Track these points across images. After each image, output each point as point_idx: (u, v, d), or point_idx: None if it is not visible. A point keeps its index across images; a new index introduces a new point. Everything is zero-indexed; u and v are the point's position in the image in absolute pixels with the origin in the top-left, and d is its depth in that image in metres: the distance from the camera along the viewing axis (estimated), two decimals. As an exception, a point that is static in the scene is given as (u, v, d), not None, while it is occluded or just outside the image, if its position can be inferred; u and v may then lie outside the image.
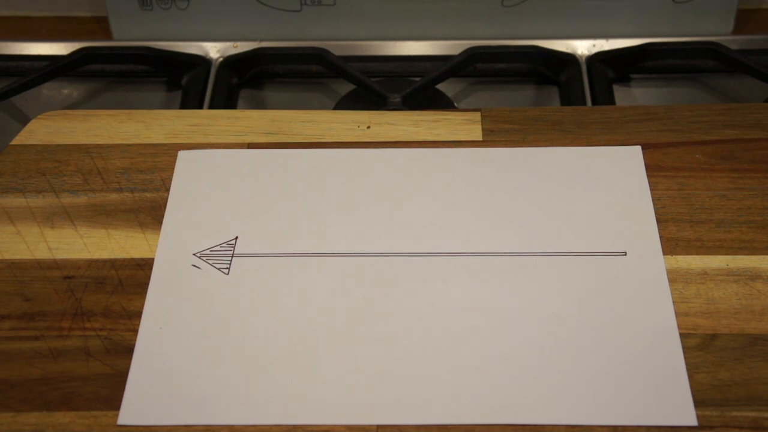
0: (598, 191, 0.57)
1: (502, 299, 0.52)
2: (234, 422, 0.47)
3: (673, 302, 0.51)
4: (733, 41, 0.74)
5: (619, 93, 0.73)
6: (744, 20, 0.78)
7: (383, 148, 0.60)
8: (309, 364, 0.49)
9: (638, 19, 0.76)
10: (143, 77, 0.75)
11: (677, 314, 0.51)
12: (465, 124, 0.62)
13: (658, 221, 0.55)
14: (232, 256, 0.54)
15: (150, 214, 0.57)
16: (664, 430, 0.46)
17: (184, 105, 0.72)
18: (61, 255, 0.55)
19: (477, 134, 0.61)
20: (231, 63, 0.74)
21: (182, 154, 0.60)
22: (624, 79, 0.74)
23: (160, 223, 0.56)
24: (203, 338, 0.51)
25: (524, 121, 0.62)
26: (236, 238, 0.55)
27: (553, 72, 0.73)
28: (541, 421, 0.47)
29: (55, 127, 0.62)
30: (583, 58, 0.73)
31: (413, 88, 0.69)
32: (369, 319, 0.51)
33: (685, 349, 0.49)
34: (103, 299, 0.52)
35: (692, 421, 0.47)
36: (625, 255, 0.54)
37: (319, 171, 0.59)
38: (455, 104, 0.72)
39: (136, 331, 0.51)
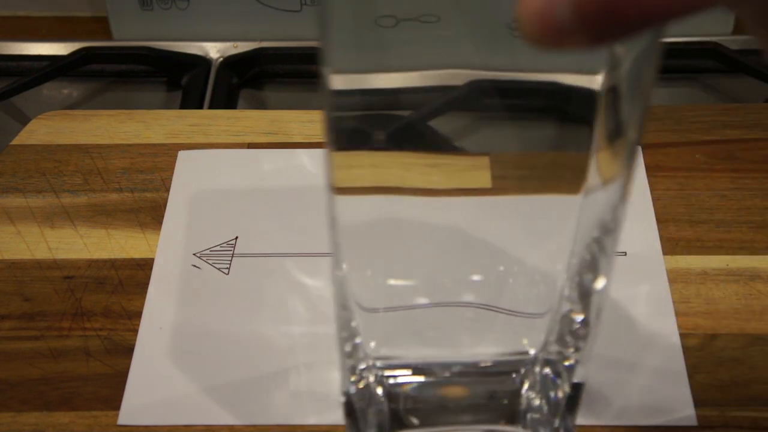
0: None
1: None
2: (234, 422, 0.47)
3: (673, 302, 0.51)
4: (733, 41, 0.74)
5: (619, 93, 0.73)
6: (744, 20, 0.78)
7: (383, 148, 0.60)
8: (309, 364, 0.49)
9: (638, 19, 0.76)
10: (143, 77, 0.75)
11: (677, 314, 0.51)
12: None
13: (658, 221, 0.55)
14: (232, 256, 0.54)
15: (150, 214, 0.57)
16: (664, 430, 0.46)
17: (184, 105, 0.72)
18: (61, 255, 0.55)
19: (477, 134, 0.61)
20: (231, 63, 0.74)
21: (182, 154, 0.60)
22: (624, 79, 0.74)
23: (160, 223, 0.56)
24: (203, 338, 0.51)
25: (524, 121, 0.62)
26: (236, 238, 0.55)
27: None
28: (541, 421, 0.47)
29: (55, 127, 0.62)
30: (583, 58, 0.73)
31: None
32: (369, 319, 0.51)
33: (685, 349, 0.49)
34: (103, 299, 0.52)
35: (692, 421, 0.46)
36: (625, 255, 0.54)
37: (319, 171, 0.59)
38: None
39: (136, 331, 0.51)
